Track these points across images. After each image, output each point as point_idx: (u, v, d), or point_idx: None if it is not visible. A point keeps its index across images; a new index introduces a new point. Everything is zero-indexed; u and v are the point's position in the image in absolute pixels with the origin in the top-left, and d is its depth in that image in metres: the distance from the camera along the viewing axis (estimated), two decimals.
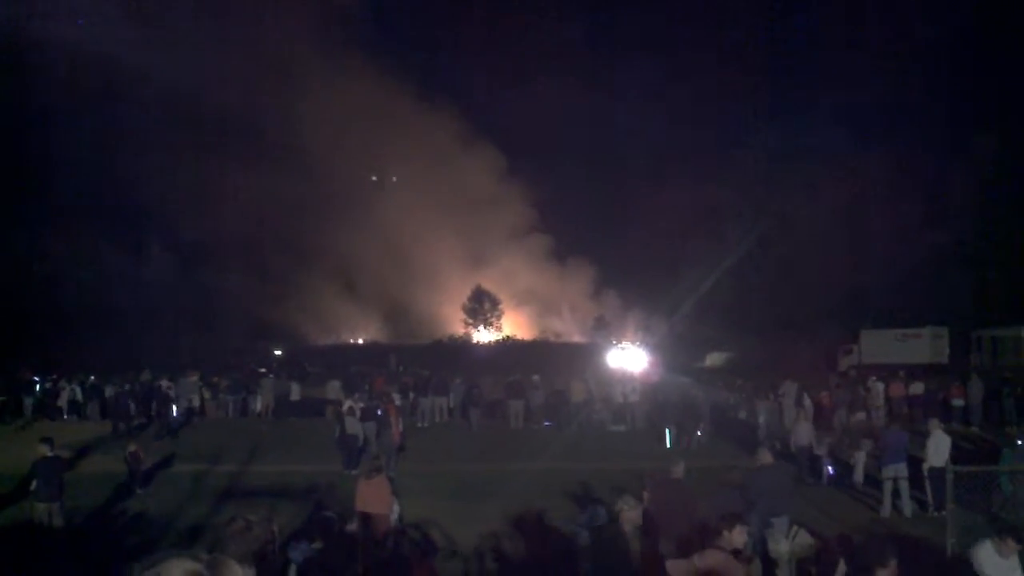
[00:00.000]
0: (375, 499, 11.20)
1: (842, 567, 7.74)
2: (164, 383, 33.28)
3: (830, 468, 19.05)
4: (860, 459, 19.26)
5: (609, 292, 77.23)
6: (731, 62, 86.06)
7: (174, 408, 31.69)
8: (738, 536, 7.06)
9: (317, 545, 7.42)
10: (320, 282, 75.01)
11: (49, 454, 14.03)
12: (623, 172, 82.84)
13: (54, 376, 37.10)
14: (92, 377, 36.12)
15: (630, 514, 8.38)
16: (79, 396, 33.95)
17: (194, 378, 33.99)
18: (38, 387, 35.62)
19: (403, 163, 78.09)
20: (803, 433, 20.16)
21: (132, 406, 30.49)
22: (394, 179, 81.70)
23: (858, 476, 19.06)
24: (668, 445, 25.53)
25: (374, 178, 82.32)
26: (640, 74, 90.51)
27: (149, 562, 2.31)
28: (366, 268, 76.01)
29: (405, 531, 12.89)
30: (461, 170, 76.71)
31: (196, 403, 33.04)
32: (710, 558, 3.73)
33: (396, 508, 12.25)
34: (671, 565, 3.73)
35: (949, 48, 72.27)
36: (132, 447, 19.35)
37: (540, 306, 79.74)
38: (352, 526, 8.23)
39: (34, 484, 13.88)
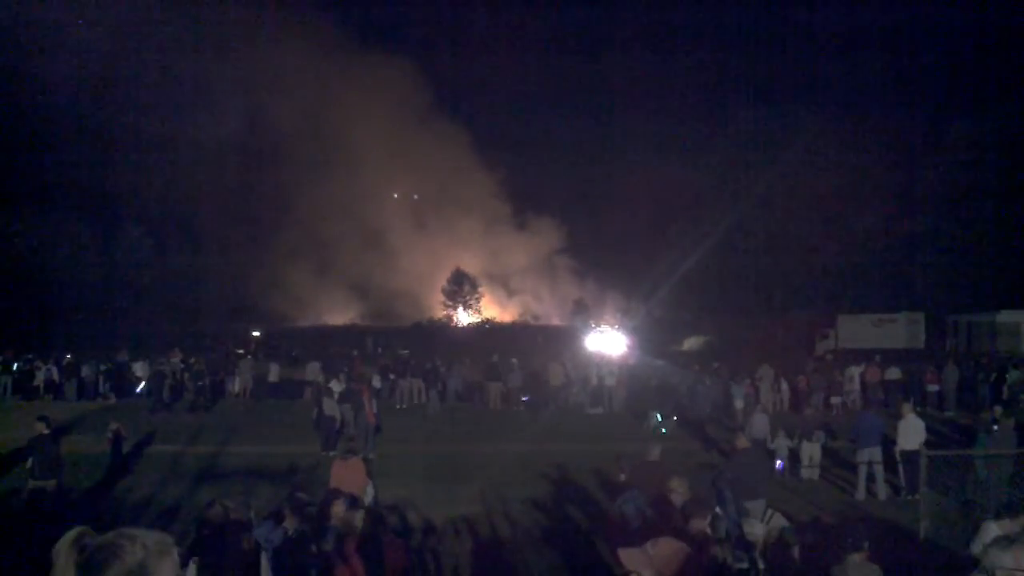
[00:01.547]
0: (350, 481, 11.20)
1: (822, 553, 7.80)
2: (137, 364, 33.72)
3: (779, 462, 18.50)
4: (810, 451, 18.43)
5: (588, 276, 77.57)
6: (711, 45, 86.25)
7: (141, 386, 32.31)
8: (701, 523, 7.17)
9: (289, 525, 7.41)
10: (298, 263, 74.72)
11: (46, 432, 14.03)
12: (602, 156, 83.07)
13: (30, 356, 36.88)
14: (69, 356, 35.96)
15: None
16: (55, 376, 33.75)
17: (175, 359, 33.91)
18: (15, 366, 35.41)
19: (374, 144, 77.51)
20: (759, 425, 19.17)
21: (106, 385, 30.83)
22: (415, 196, 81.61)
23: (807, 471, 18.16)
24: (653, 428, 25.58)
25: (395, 195, 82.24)
26: (618, 57, 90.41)
27: (111, 537, 2.29)
28: (341, 247, 75.88)
29: (380, 513, 12.89)
30: (428, 148, 76.76)
31: (175, 383, 32.94)
32: (663, 546, 3.72)
33: (370, 490, 12.26)
34: (623, 554, 3.71)
35: (923, 38, 72.76)
36: (114, 426, 19.23)
37: (519, 288, 79.97)
38: (339, 507, 8.20)
39: (30, 462, 13.88)
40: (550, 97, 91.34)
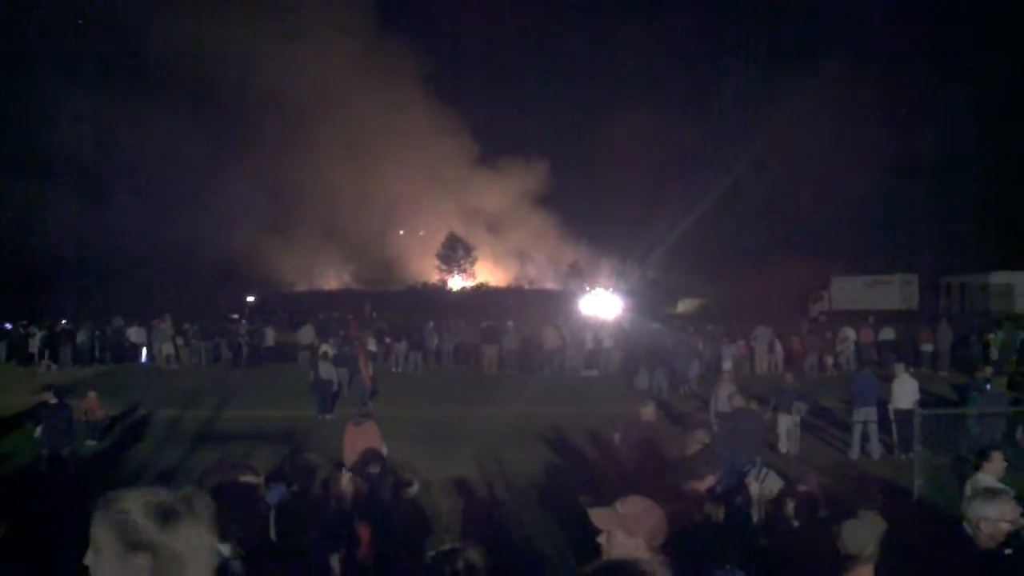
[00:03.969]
0: (366, 445, 11.16)
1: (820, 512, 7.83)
2: (133, 330, 33.79)
3: None
4: (787, 424, 16.90)
5: (582, 239, 77.33)
6: (704, 6, 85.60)
7: (143, 354, 32.46)
8: (702, 482, 7.23)
9: (295, 489, 7.42)
10: (292, 226, 74.00)
11: (53, 401, 14.16)
12: (597, 118, 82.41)
13: (24, 323, 36.85)
14: (64, 322, 35.96)
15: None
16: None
17: (166, 324, 33.92)
18: (8, 331, 35.50)
19: (350, 106, 76.09)
20: (724, 395, 16.07)
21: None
22: (421, 233, 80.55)
23: (784, 446, 16.65)
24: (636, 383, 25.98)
25: (401, 232, 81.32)
26: (607, 18, 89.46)
27: (112, 497, 2.28)
28: (324, 207, 75.07)
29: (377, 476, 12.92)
30: (416, 116, 75.91)
31: (169, 350, 33.03)
32: (632, 505, 3.76)
33: (385, 452, 12.29)
34: (594, 513, 3.76)
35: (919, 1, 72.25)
36: (89, 396, 19.08)
37: (512, 250, 79.71)
38: (374, 469, 8.19)
39: (38, 430, 14.06)
40: (539, 58, 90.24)
